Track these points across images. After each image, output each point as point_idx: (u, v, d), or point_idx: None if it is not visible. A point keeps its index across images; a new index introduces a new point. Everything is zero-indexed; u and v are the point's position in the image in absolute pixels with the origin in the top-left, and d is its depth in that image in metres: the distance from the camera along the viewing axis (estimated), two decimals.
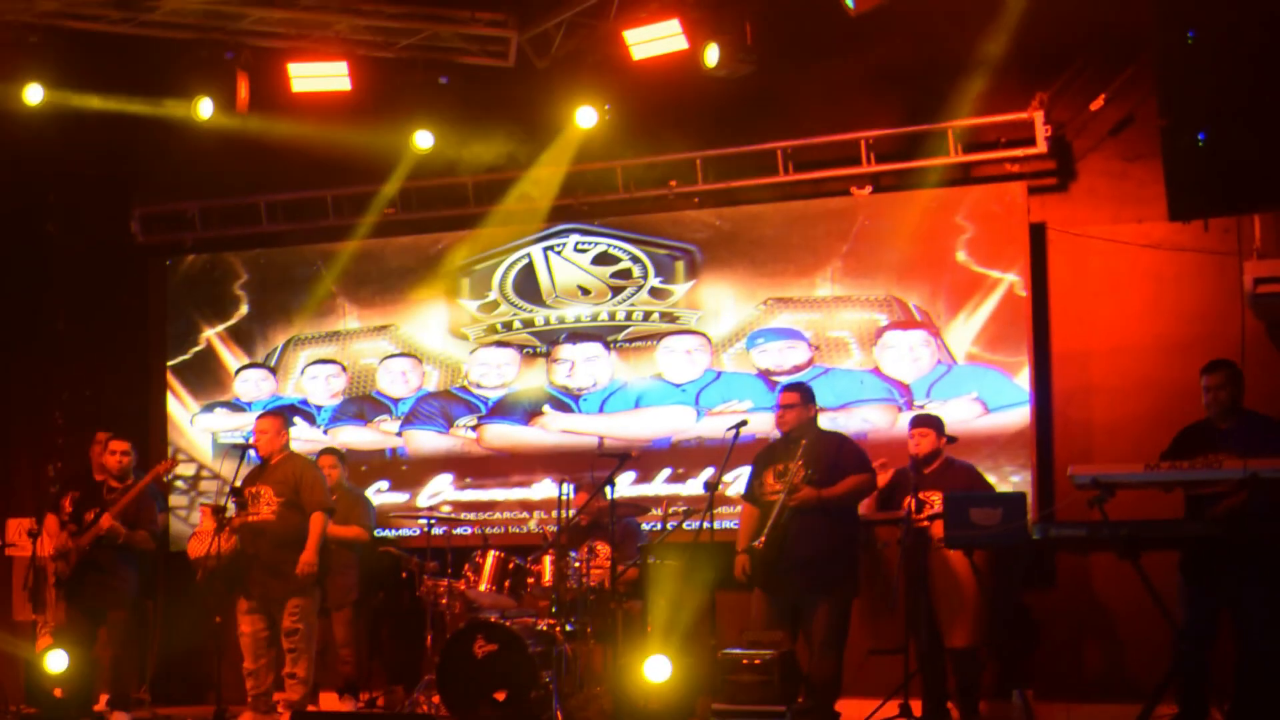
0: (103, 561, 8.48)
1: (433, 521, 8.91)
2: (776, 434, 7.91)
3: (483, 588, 8.17)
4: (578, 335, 9.68)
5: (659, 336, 9.49)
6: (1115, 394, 8.53)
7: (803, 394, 7.78)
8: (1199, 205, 7.02)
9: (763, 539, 7.32)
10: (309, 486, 8.16)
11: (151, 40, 9.29)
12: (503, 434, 9.79)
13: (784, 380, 8.81)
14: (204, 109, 9.32)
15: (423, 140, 9.56)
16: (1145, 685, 7.48)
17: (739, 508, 8.11)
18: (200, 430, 10.46)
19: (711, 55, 8.57)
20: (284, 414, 8.84)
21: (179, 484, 10.34)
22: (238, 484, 8.18)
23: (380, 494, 9.95)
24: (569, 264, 9.75)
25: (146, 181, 10.68)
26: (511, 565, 8.21)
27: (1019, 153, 8.75)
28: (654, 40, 8.67)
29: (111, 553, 8.48)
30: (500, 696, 7.55)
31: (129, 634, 8.72)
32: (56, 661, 8.16)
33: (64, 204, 10.66)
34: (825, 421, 8.67)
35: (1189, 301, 8.46)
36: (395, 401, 10.05)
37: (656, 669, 7.26)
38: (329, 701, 9.11)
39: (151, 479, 8.68)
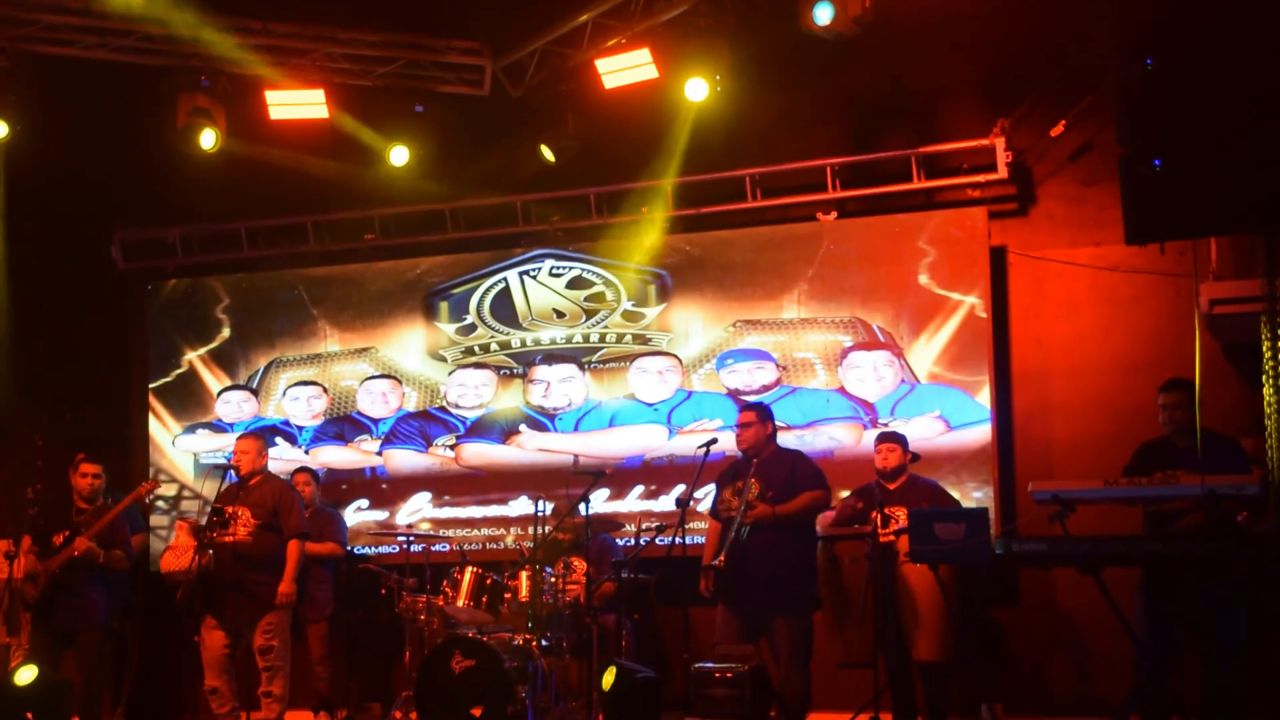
0: (75, 583, 8.26)
1: (411, 539, 8.96)
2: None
3: (461, 604, 8.17)
4: (553, 357, 9.81)
5: (631, 358, 9.62)
6: (1074, 412, 8.66)
7: (759, 413, 7.84)
8: (1155, 229, 7.04)
9: (722, 557, 7.36)
10: (286, 510, 8.08)
11: (127, 66, 9.37)
12: (480, 453, 9.90)
13: (752, 399, 9.00)
14: (207, 140, 9.37)
15: (397, 156, 9.66)
16: (1111, 699, 7.64)
17: (708, 524, 8.10)
18: (181, 451, 10.52)
19: (689, 91, 8.65)
20: (264, 435, 8.87)
21: (160, 504, 10.37)
22: (216, 503, 8.10)
23: (360, 512, 10.05)
24: (544, 288, 9.89)
25: (127, 207, 10.71)
26: (489, 581, 8.21)
27: (980, 178, 8.89)
28: (625, 70, 8.84)
29: (84, 574, 8.28)
30: (477, 712, 7.54)
31: (99, 656, 8.49)
32: (26, 675, 7.86)
33: (44, 230, 10.62)
34: (793, 439, 8.85)
35: (1146, 322, 8.59)
36: (375, 422, 10.15)
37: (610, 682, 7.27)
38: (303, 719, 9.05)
39: (132, 500, 8.55)
